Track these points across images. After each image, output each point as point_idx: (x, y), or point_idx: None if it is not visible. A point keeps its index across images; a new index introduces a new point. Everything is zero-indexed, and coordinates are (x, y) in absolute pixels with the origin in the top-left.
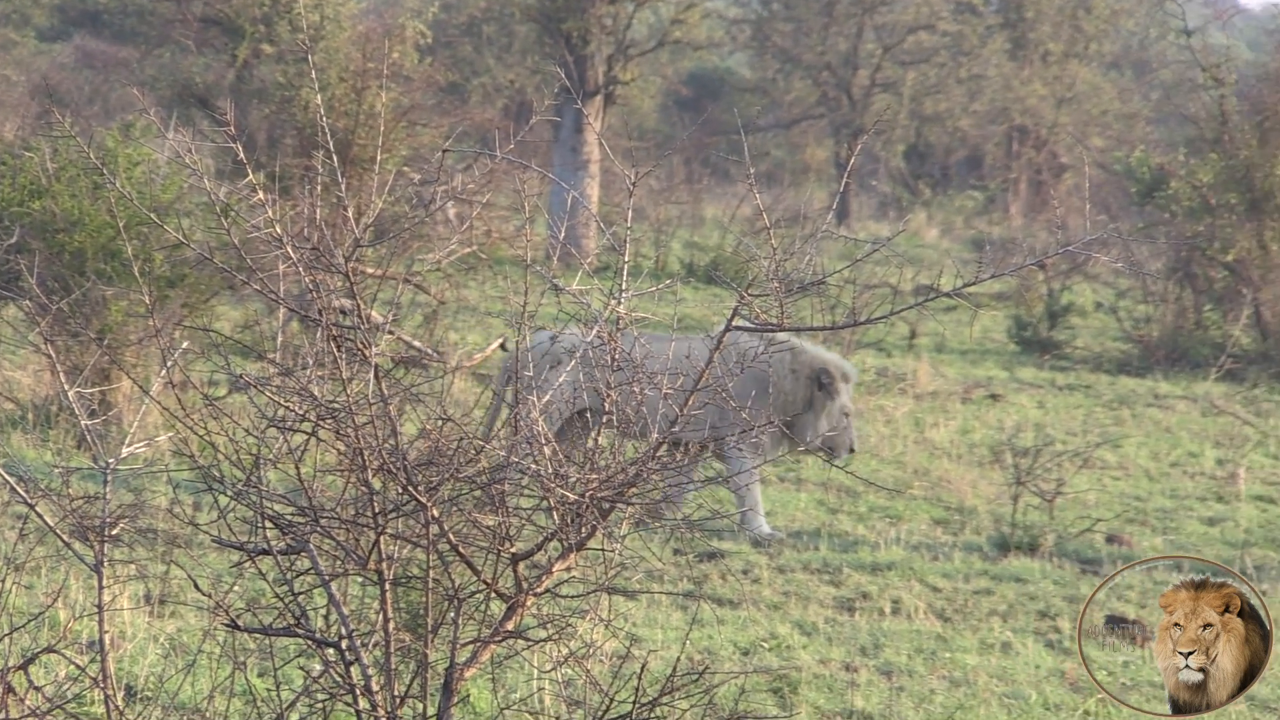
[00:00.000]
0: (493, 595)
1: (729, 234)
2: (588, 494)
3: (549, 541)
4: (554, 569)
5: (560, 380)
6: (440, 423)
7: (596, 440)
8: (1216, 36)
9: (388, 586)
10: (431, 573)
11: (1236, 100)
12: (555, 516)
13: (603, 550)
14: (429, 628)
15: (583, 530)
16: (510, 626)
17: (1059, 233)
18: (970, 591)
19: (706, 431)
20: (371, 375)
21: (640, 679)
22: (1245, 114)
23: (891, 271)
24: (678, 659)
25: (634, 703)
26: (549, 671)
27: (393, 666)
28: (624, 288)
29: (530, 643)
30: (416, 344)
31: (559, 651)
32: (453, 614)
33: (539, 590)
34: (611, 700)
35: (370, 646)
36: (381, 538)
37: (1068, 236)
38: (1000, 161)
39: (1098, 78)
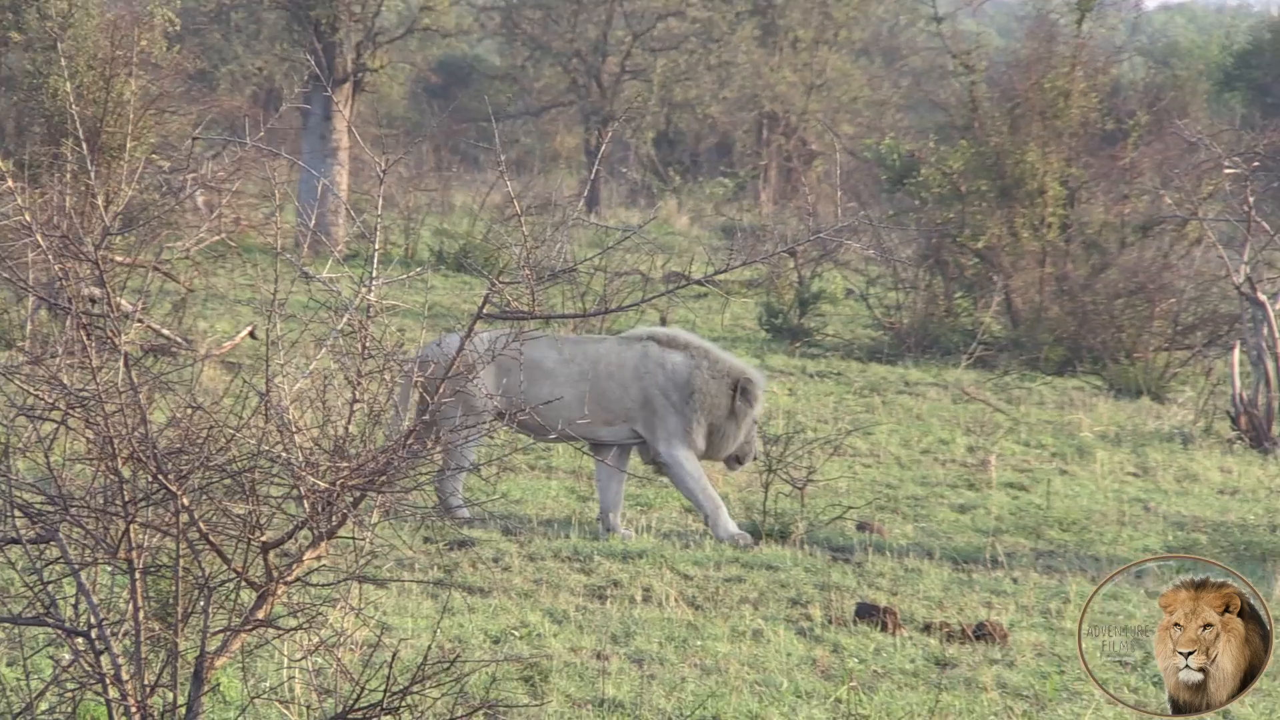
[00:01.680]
0: (243, 584)
1: (479, 221)
2: (338, 482)
3: (299, 530)
4: (304, 557)
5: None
6: (190, 411)
7: (347, 429)
8: (967, 23)
9: (138, 575)
10: (182, 561)
11: (987, 87)
12: (306, 505)
13: (353, 539)
14: (179, 616)
15: (333, 519)
16: (261, 615)
17: (809, 220)
18: (721, 579)
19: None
20: (121, 363)
21: (391, 668)
22: (996, 101)
23: (642, 259)
24: (428, 647)
25: (385, 691)
26: (300, 660)
27: (143, 655)
28: (374, 275)
29: (281, 631)
30: (166, 332)
31: (309, 640)
32: (203, 603)
33: (289, 579)
34: (362, 689)
35: (120, 635)
36: (131, 526)
37: (818, 224)
38: (750, 148)
39: (848, 65)
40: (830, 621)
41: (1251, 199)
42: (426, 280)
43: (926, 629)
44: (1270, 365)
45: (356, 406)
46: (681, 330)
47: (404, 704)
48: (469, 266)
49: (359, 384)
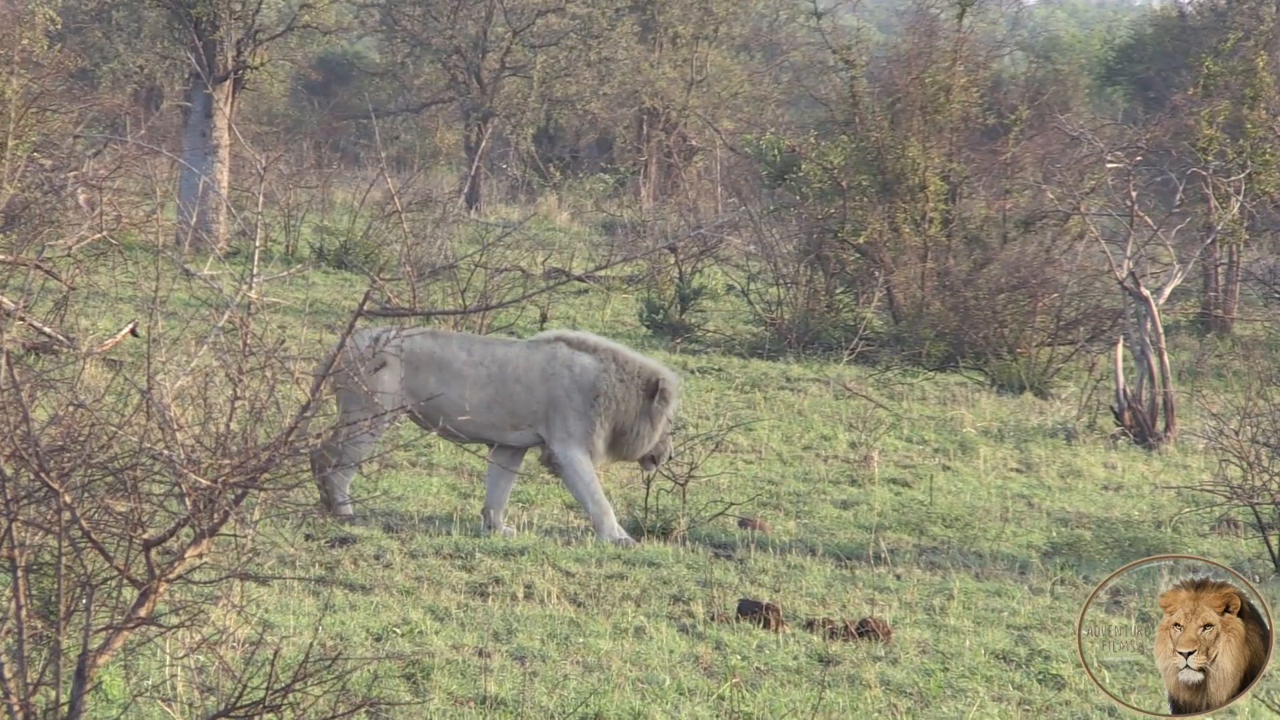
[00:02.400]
0: (125, 582)
1: (360, 218)
2: (220, 479)
3: (181, 527)
4: (186, 555)
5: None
6: (72, 409)
7: (228, 426)
8: (847, 18)
9: (20, 573)
10: (64, 559)
11: (867, 82)
12: (188, 502)
13: (235, 536)
14: (62, 614)
15: (215, 516)
16: (143, 613)
17: (690, 216)
18: (603, 576)
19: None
20: (2, 361)
21: (273, 665)
22: (876, 96)
23: (523, 255)
24: (310, 645)
25: (267, 689)
26: (182, 658)
27: (25, 654)
28: (255, 273)
29: (163, 629)
30: (47, 330)
31: (192, 638)
32: (85, 600)
33: (172, 576)
34: (244, 687)
35: (2, 634)
36: (13, 524)
37: (699, 219)
38: (630, 144)
39: (728, 60)
40: (713, 618)
41: (1134, 193)
42: (307, 277)
43: (809, 626)
44: (1154, 360)
45: (238, 403)
46: (591, 334)
47: (286, 701)
48: (350, 263)
49: (241, 381)
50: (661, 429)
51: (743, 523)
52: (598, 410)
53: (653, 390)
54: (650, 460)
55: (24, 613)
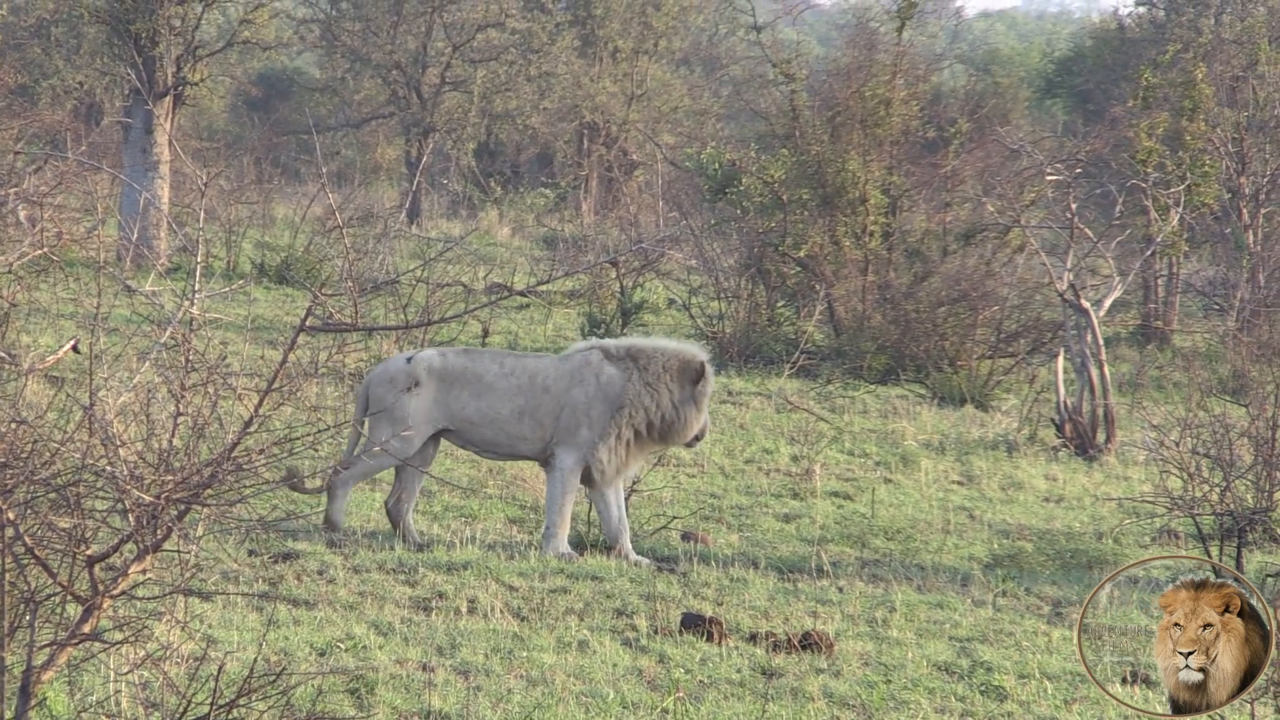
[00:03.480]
0: (69, 598)
1: (301, 234)
2: (163, 495)
3: (125, 543)
4: (130, 571)
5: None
6: (14, 425)
7: (171, 442)
8: (786, 32)
9: None
10: (7, 576)
11: (807, 96)
12: (131, 518)
13: (179, 552)
14: (5, 631)
15: (158, 532)
16: (87, 629)
17: (631, 230)
18: (547, 590)
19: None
20: None
21: (217, 681)
22: (816, 109)
23: (464, 270)
24: (254, 660)
25: (211, 704)
26: (126, 674)
27: None
28: (197, 288)
29: (107, 645)
30: None
31: (136, 654)
32: (29, 617)
33: (115, 592)
34: (189, 702)
35: None
36: None
37: (640, 234)
38: (571, 159)
39: (668, 74)
40: (656, 632)
41: (1074, 206)
42: (249, 293)
43: (752, 639)
44: (1094, 372)
45: (181, 419)
46: (630, 338)
47: (230, 717)
48: (291, 279)
49: (183, 397)
50: (705, 407)
51: (685, 536)
52: (621, 419)
53: (696, 376)
54: (696, 439)
55: None
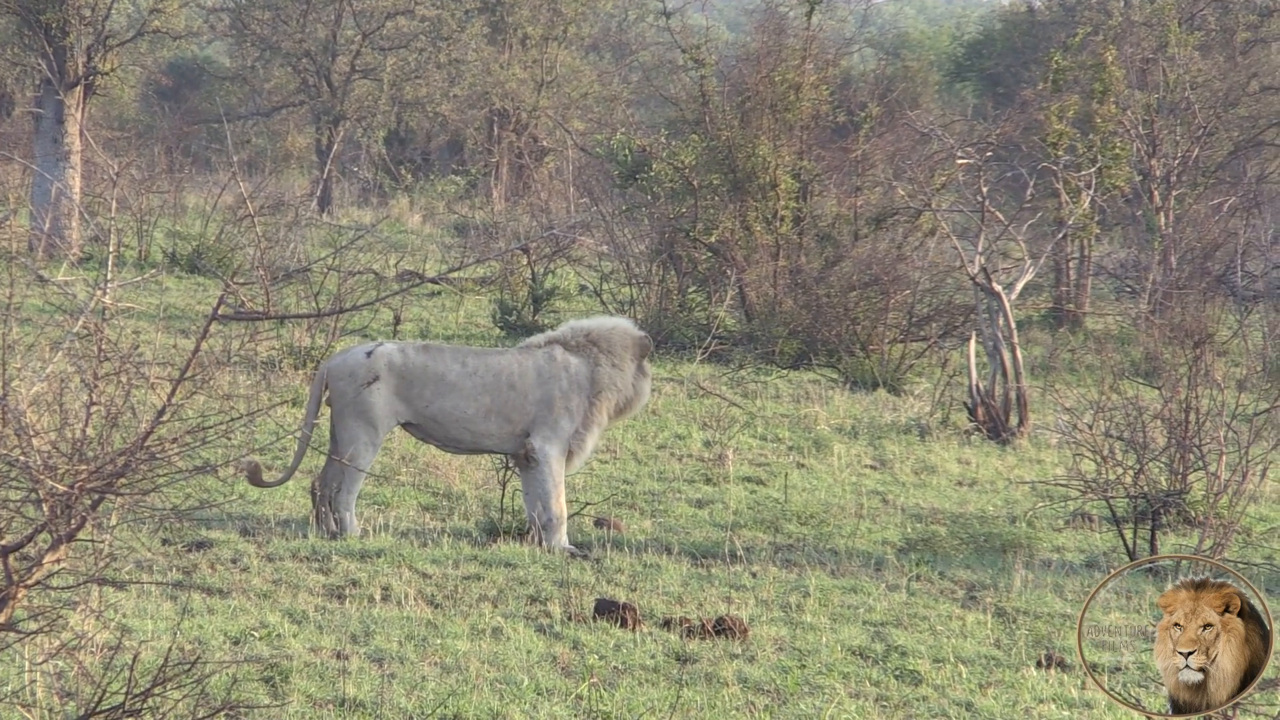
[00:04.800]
0: None
1: (212, 223)
2: (77, 485)
3: (39, 533)
4: (44, 561)
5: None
6: None
7: (85, 431)
8: (696, 17)
9: None
10: None
11: (717, 81)
12: (45, 508)
13: (93, 541)
14: None
15: (72, 521)
16: (1, 619)
17: (542, 216)
18: (460, 577)
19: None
20: None
21: (132, 670)
22: (726, 95)
23: (375, 258)
24: (169, 649)
25: (126, 694)
26: (41, 663)
27: None
28: (109, 278)
29: (21, 635)
30: None
31: (50, 643)
32: None
33: (30, 582)
34: (104, 691)
35: None
36: None
37: (550, 220)
38: (482, 146)
39: (577, 61)
40: (570, 618)
41: (985, 189)
42: (161, 282)
43: (666, 624)
44: (1006, 356)
45: (94, 409)
46: (575, 322)
47: (145, 706)
48: (203, 268)
49: (96, 386)
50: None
51: (598, 522)
52: (600, 404)
53: (645, 351)
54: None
55: None
